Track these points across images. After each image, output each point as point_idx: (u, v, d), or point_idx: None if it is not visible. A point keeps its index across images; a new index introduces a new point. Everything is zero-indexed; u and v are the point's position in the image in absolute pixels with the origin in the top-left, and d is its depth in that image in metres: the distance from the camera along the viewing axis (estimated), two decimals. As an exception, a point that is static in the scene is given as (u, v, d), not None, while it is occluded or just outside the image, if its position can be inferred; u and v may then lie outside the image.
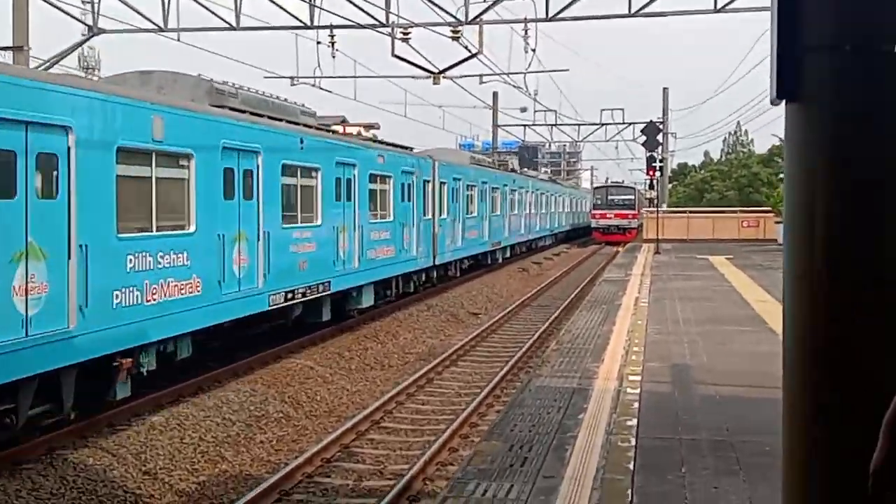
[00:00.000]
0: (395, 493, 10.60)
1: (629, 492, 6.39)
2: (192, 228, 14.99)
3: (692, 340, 13.30)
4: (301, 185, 19.83)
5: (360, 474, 11.96)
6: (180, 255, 14.45)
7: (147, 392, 15.42)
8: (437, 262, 29.72)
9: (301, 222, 19.57)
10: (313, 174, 20.36)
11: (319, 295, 20.18)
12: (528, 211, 48.85)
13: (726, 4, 23.53)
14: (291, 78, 27.10)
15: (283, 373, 17.97)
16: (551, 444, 7.76)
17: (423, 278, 29.37)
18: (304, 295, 19.13)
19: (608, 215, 58.49)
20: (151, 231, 13.97)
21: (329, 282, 20.53)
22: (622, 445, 7.63)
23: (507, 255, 43.90)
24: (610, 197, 60.35)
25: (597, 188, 69.67)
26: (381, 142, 26.70)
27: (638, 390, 9.84)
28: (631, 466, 7.04)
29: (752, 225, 43.48)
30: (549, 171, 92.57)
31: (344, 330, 22.30)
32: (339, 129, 24.64)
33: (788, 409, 2.34)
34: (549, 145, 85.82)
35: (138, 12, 24.40)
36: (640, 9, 23.73)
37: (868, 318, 2.16)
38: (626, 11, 23.64)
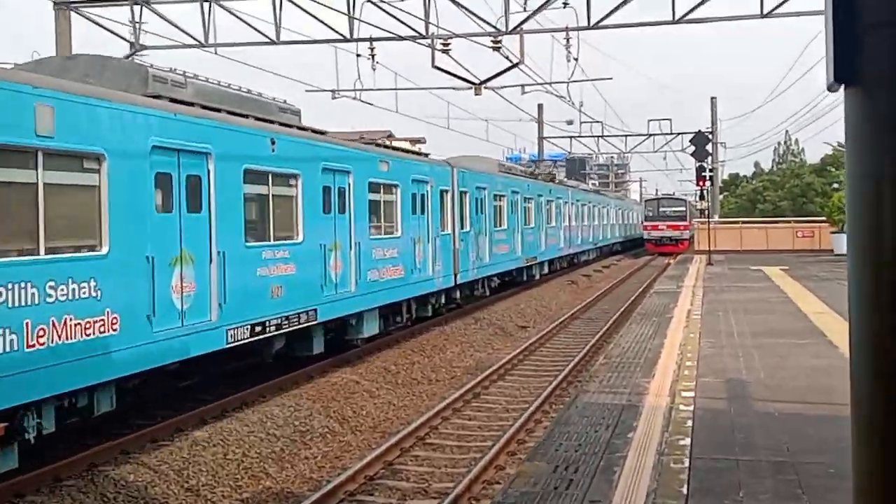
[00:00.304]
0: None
1: (683, 516, 5.94)
2: (105, 250, 11.70)
3: (748, 354, 12.75)
4: (274, 195, 16.80)
5: (404, 492, 11.60)
6: (85, 285, 11.19)
7: (192, 406, 15.26)
8: (458, 282, 26.46)
9: (274, 239, 16.66)
10: (291, 182, 17.35)
11: (303, 325, 17.33)
12: (567, 223, 45.52)
13: (773, 9, 22.90)
14: (332, 91, 26.88)
15: (328, 387, 17.68)
16: (598, 465, 7.32)
17: (444, 300, 26.49)
18: (279, 327, 16.34)
19: (660, 227, 59.35)
20: (39, 254, 10.62)
21: (315, 309, 17.78)
22: (675, 467, 7.16)
23: (546, 270, 40.93)
24: (661, 209, 61.27)
25: (648, 200, 70.61)
26: (390, 147, 24.36)
27: (691, 407, 9.34)
28: (685, 490, 6.57)
29: (807, 235, 42.49)
30: (597, 182, 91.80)
31: (391, 344, 22.00)
32: (386, 142, 23.78)
33: (857, 430, 1.96)
34: (597, 157, 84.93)
35: (180, 28, 24.35)
36: (685, 14, 23.14)
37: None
38: (671, 18, 23.05)
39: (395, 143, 24.71)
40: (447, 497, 10.82)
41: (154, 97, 13.55)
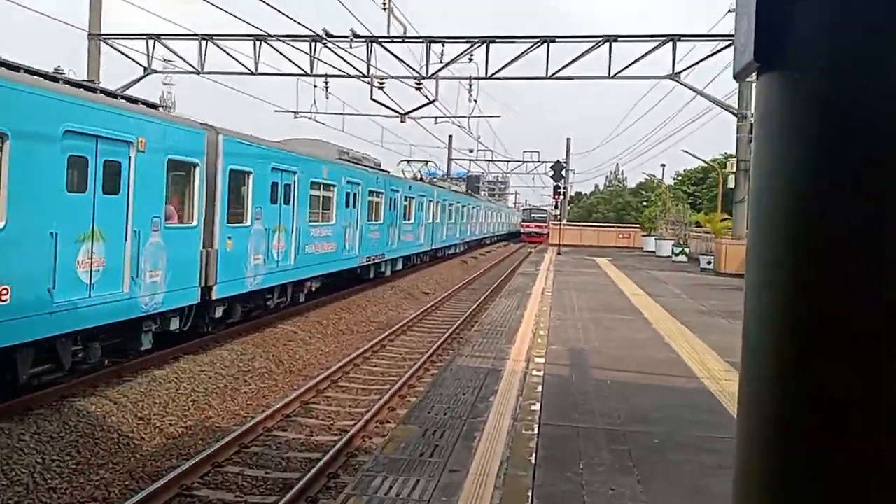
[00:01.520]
0: (339, 447, 8.65)
1: (529, 493, 4.42)
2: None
3: (585, 326, 11.39)
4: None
5: (312, 429, 9.95)
6: None
7: (159, 349, 13.29)
8: (216, 297, 13.53)
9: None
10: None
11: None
12: (429, 220, 33.05)
13: (617, 73, 22.21)
14: (294, 112, 24.92)
15: (271, 336, 15.78)
16: (462, 430, 5.77)
17: (186, 322, 13.21)
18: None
19: (531, 226, 64.84)
20: None
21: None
22: (526, 434, 5.67)
23: (399, 267, 28.07)
24: (532, 215, 68.69)
25: (524, 210, 78.12)
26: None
27: (542, 373, 7.86)
28: (533, 459, 5.08)
29: (625, 237, 42.06)
30: (486, 193, 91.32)
31: (326, 303, 20.18)
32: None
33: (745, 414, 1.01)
34: (487, 175, 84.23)
35: (182, 58, 22.59)
36: (555, 73, 22.25)
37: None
38: (545, 74, 22.17)
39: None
40: (346, 435, 9.28)
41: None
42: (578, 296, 15.57)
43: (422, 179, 33.12)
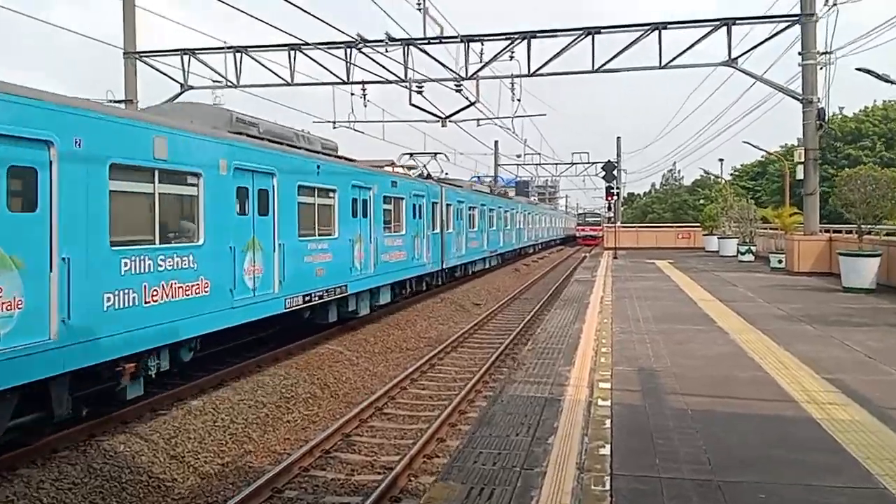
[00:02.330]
0: (381, 490, 7.65)
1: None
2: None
3: (653, 340, 10.12)
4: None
5: (354, 467, 8.98)
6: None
7: (193, 377, 12.58)
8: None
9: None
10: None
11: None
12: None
13: (669, 62, 20.87)
14: (333, 122, 24.24)
15: (315, 357, 14.94)
16: (516, 486, 4.68)
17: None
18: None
19: (586, 229, 67.90)
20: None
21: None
22: (595, 491, 4.53)
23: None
24: (587, 219, 72.76)
25: (579, 214, 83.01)
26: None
27: (608, 402, 6.68)
28: (607, 529, 3.96)
29: (685, 237, 40.09)
30: (536, 198, 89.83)
31: (373, 319, 19.31)
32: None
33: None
34: (536, 180, 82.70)
35: (217, 72, 22.18)
36: (601, 66, 21.01)
37: None
38: (590, 68, 20.93)
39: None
40: (389, 474, 8.29)
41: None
42: (641, 304, 14.26)
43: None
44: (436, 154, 23.71)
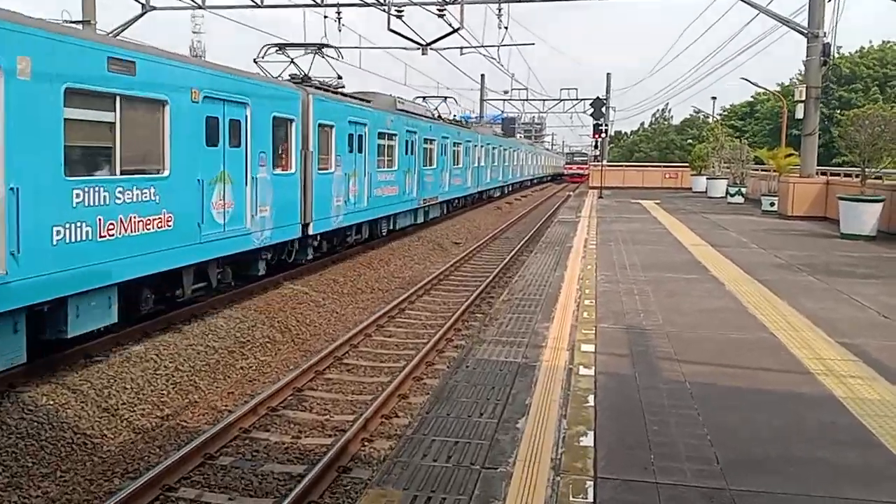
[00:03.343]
0: (328, 460, 6.62)
1: None
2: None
3: (642, 291, 9.01)
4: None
5: (302, 428, 7.93)
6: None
7: (142, 320, 11.40)
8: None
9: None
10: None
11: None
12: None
13: None
14: (303, 47, 22.30)
15: (277, 299, 13.75)
16: (471, 494, 3.57)
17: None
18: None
19: (573, 168, 71.38)
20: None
21: None
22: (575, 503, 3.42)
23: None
24: (574, 158, 77.54)
25: (567, 154, 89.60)
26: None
27: (591, 371, 5.57)
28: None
29: (672, 177, 38.84)
30: (522, 135, 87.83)
31: (344, 258, 18.10)
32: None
33: None
34: (522, 116, 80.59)
35: None
36: None
37: None
38: None
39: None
40: (340, 437, 7.25)
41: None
42: (628, 248, 13.14)
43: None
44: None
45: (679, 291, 8.97)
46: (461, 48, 23.95)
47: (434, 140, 25.15)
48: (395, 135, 20.21)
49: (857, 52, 49.29)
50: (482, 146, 33.53)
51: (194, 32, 65.23)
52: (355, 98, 18.08)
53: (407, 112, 21.89)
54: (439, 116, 25.47)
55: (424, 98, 21.79)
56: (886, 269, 11.05)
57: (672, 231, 16.36)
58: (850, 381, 5.52)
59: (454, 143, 27.94)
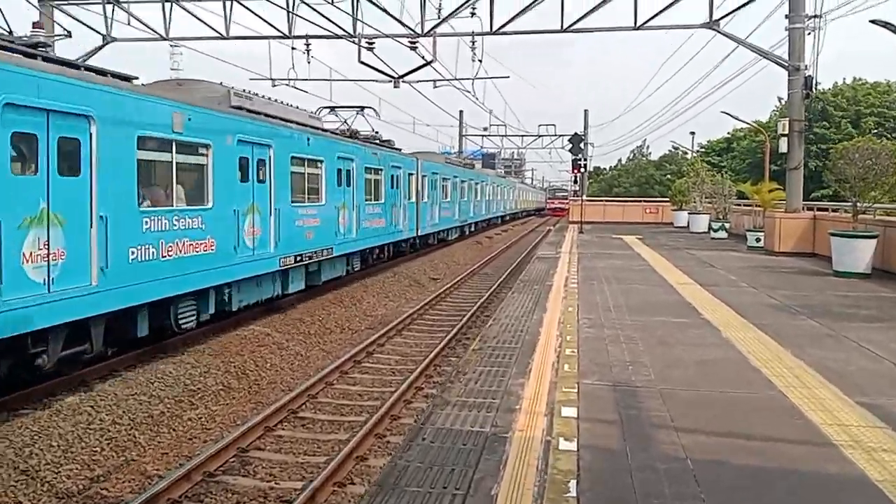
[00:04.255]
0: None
1: None
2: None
3: (629, 338, 8.02)
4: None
5: (242, 494, 6.78)
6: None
7: (81, 368, 10.22)
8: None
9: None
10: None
11: None
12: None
13: (644, 23, 18.69)
14: (272, 80, 21.50)
15: (236, 341, 12.59)
16: None
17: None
18: None
19: (555, 202, 75.14)
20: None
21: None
22: None
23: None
24: (556, 193, 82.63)
25: (548, 189, 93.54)
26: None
27: (574, 445, 4.52)
28: None
29: (653, 211, 38.23)
30: (502, 170, 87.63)
31: (313, 295, 16.99)
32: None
33: None
34: (502, 152, 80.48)
35: (145, 24, 19.48)
36: (571, 25, 18.71)
37: None
38: (559, 27, 18.62)
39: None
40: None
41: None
42: (612, 288, 12.20)
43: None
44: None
45: (670, 339, 8.00)
46: (434, 81, 23.19)
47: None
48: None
49: (828, 89, 49.47)
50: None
51: (172, 70, 64.54)
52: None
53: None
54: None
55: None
56: (890, 311, 10.17)
57: (656, 268, 15.48)
58: (882, 456, 4.54)
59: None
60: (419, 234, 25.00)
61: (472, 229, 38.08)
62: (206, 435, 8.94)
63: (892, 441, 4.82)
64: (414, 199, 24.22)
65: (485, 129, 51.42)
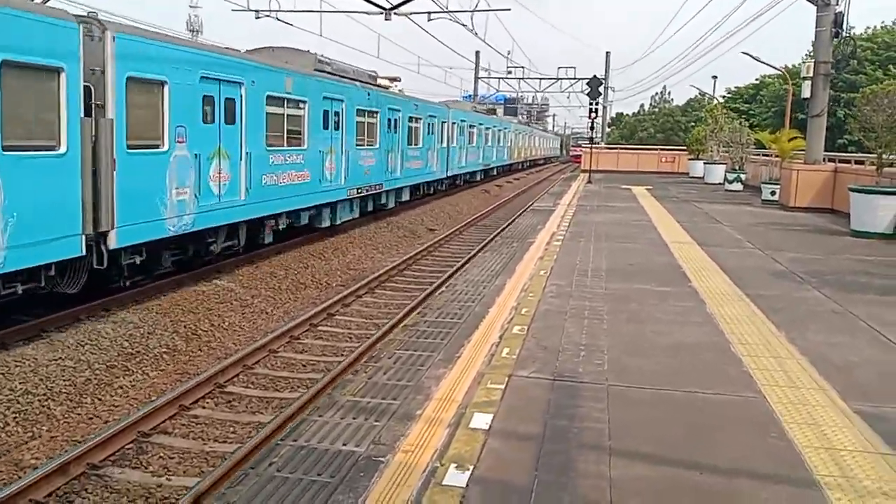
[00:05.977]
0: None
1: None
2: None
3: (595, 311, 6.72)
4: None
5: (125, 493, 5.74)
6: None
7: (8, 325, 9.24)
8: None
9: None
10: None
11: None
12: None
13: None
14: (255, 11, 19.86)
15: (192, 297, 11.53)
16: None
17: None
18: None
19: (577, 149, 73.27)
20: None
21: None
22: None
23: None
24: (578, 141, 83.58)
25: (571, 136, 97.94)
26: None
27: (464, 480, 3.29)
28: None
29: (669, 160, 36.24)
30: (524, 116, 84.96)
31: (290, 247, 15.86)
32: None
33: None
34: (521, 96, 77.72)
35: None
36: None
37: None
38: None
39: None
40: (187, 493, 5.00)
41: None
42: (598, 246, 10.82)
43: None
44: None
45: (644, 314, 6.68)
46: (429, 13, 21.34)
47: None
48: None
49: (863, 33, 46.10)
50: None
51: (191, 7, 62.61)
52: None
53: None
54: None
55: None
56: (911, 280, 8.72)
57: (657, 224, 14.02)
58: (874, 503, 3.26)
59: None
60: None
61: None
62: (134, 406, 7.92)
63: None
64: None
65: (508, 72, 49.09)
